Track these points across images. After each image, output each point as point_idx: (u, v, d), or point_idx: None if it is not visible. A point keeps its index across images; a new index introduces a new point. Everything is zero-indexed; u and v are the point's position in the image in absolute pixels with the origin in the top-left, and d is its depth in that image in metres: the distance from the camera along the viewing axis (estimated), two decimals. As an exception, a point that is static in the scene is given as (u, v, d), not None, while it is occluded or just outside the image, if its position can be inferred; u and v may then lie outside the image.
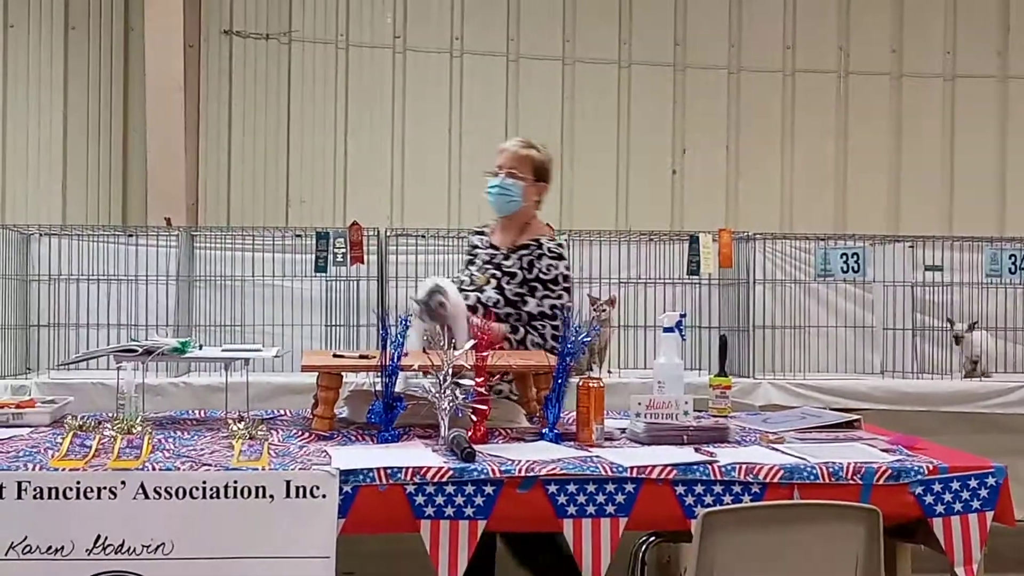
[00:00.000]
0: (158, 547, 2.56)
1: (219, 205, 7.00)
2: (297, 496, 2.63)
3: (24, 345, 5.18)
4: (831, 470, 2.82)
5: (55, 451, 2.85)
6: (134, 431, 3.07)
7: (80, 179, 6.87)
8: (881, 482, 2.82)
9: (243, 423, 3.10)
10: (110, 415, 3.34)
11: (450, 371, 3.05)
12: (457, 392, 3.06)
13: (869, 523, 2.68)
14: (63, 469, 2.63)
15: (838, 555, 2.69)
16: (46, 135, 6.82)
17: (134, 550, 2.55)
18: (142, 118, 6.66)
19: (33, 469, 2.62)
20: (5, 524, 2.55)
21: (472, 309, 3.68)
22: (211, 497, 2.60)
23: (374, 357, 3.27)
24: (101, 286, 5.16)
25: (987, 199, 7.64)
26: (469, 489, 2.70)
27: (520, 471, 2.74)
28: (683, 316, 3.70)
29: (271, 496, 2.62)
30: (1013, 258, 5.27)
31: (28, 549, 2.54)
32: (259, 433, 3.07)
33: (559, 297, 3.80)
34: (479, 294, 3.79)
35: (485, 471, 2.72)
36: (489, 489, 2.71)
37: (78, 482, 2.59)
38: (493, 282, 3.81)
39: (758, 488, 2.79)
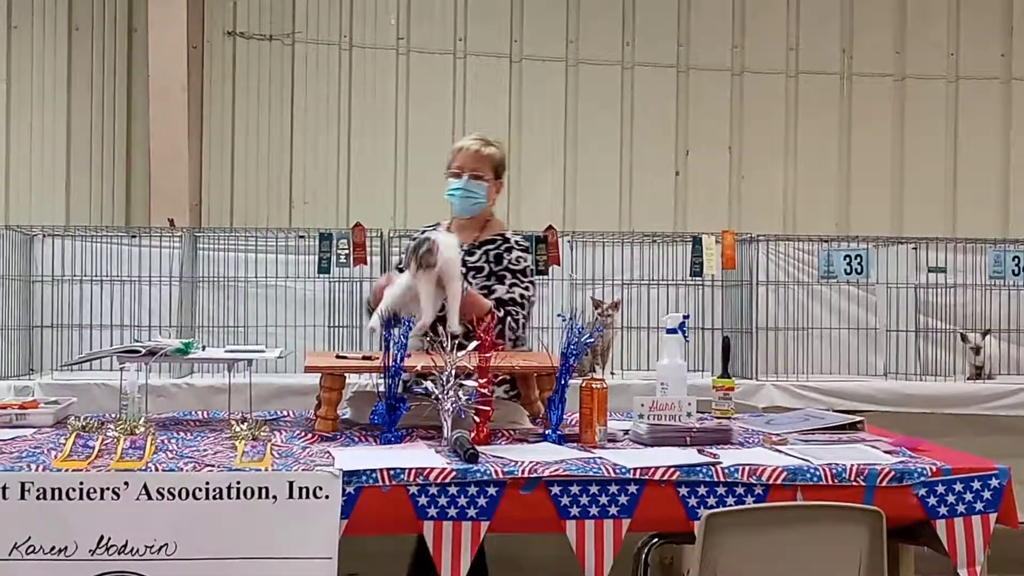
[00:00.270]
0: (161, 547, 2.56)
1: (222, 206, 7.00)
2: (300, 497, 2.63)
3: (27, 346, 5.18)
4: (834, 472, 2.82)
5: (58, 452, 2.85)
6: (137, 432, 3.07)
7: (84, 180, 6.87)
8: (884, 484, 2.81)
9: (246, 424, 3.10)
10: (113, 416, 3.34)
11: (453, 372, 3.05)
12: (460, 393, 3.06)
13: (872, 525, 2.68)
14: (66, 470, 2.63)
15: (841, 557, 2.68)
16: (50, 136, 6.83)
17: (137, 550, 2.56)
18: (145, 119, 6.66)
19: (36, 470, 2.62)
20: (9, 524, 2.55)
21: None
22: (214, 498, 2.60)
23: (377, 358, 3.27)
24: (104, 287, 5.16)
25: (990, 201, 7.64)
26: (472, 490, 2.70)
27: (523, 472, 2.73)
28: (686, 317, 3.70)
29: (274, 497, 2.62)
30: (1017, 260, 5.27)
31: (32, 549, 2.54)
32: (262, 434, 3.07)
33: (526, 288, 3.83)
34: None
35: (488, 472, 2.72)
36: (492, 490, 2.71)
37: (81, 483, 2.59)
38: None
39: (761, 490, 2.79)
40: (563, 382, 3.23)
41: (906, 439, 3.28)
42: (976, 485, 2.86)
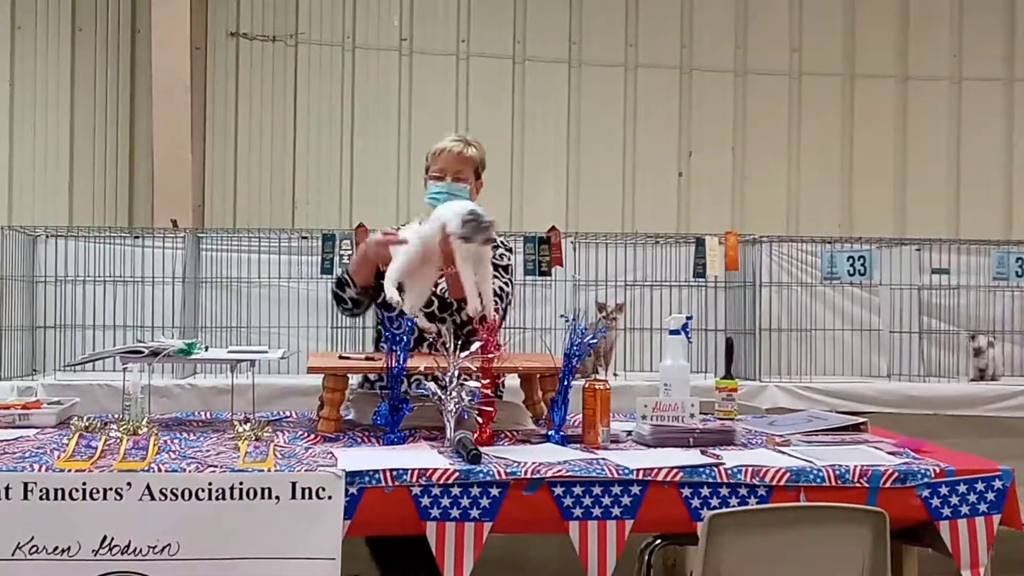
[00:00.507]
0: (164, 548, 2.56)
1: (225, 207, 7.01)
2: (303, 497, 2.63)
3: (30, 346, 5.19)
4: (837, 473, 2.82)
5: (61, 452, 2.85)
6: (140, 432, 3.07)
7: (87, 181, 6.88)
8: (887, 485, 2.81)
9: (249, 424, 3.10)
10: (116, 416, 3.34)
11: (456, 373, 3.05)
12: (463, 394, 3.05)
13: (875, 526, 2.68)
14: (69, 470, 2.63)
15: (844, 558, 2.68)
16: (53, 137, 6.84)
17: (140, 551, 2.55)
18: (148, 120, 6.67)
19: (39, 470, 2.62)
20: (12, 524, 2.55)
21: (428, 303, 3.66)
22: (217, 498, 2.60)
23: (380, 359, 3.26)
24: (107, 287, 5.17)
25: (994, 202, 7.65)
26: (475, 491, 2.70)
27: (526, 473, 2.73)
28: (689, 319, 3.70)
29: (277, 497, 2.62)
30: (1020, 261, 5.26)
31: (35, 549, 2.54)
32: (265, 434, 3.07)
33: (507, 283, 3.79)
34: (433, 288, 3.75)
35: (491, 473, 2.72)
36: (495, 491, 2.71)
37: (84, 483, 2.59)
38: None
39: (764, 491, 2.79)
40: (566, 383, 3.23)
41: (909, 440, 3.28)
42: (980, 486, 2.86)
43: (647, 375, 5.13)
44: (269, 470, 2.67)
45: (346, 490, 2.64)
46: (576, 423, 3.33)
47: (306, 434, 3.26)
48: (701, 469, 2.81)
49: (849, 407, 4.88)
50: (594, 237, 5.43)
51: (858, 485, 2.80)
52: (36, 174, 6.81)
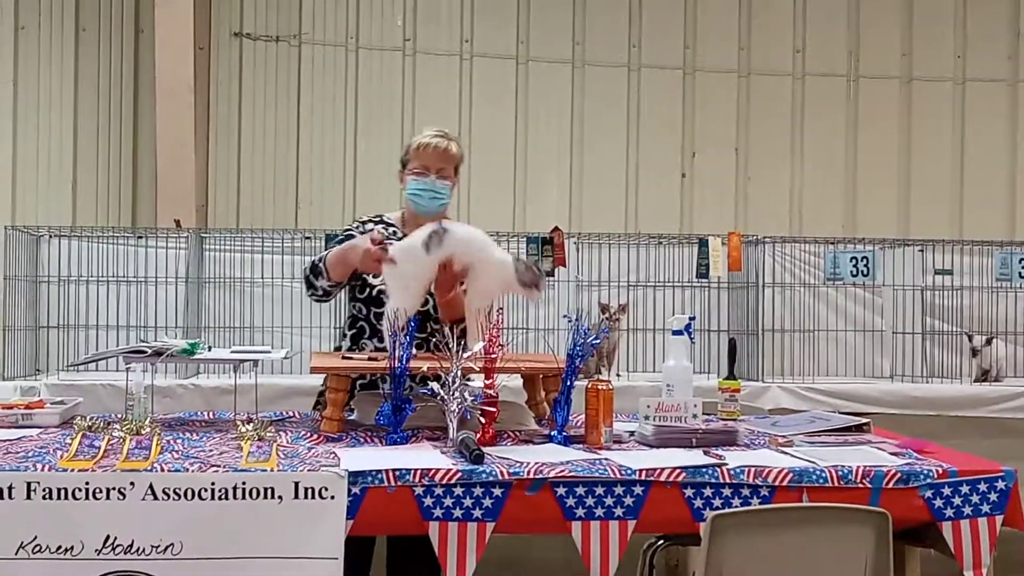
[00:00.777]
0: (167, 547, 2.56)
1: (228, 207, 7.02)
2: (306, 497, 2.63)
3: (34, 346, 5.19)
4: (840, 473, 2.81)
5: (64, 452, 2.85)
6: (143, 432, 3.07)
7: (90, 181, 6.89)
8: (890, 485, 2.81)
9: (252, 424, 3.11)
10: (119, 416, 3.34)
11: (459, 373, 3.05)
12: (466, 394, 3.05)
13: (878, 526, 2.68)
14: (72, 470, 2.63)
15: (847, 558, 2.68)
16: (56, 137, 6.84)
17: (143, 550, 2.56)
18: (152, 120, 6.67)
19: (42, 469, 2.62)
20: (15, 524, 2.55)
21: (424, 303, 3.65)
22: (220, 498, 2.60)
23: (383, 359, 3.26)
24: (111, 287, 5.18)
25: (997, 203, 7.64)
26: (478, 491, 2.70)
27: (529, 473, 2.73)
28: (692, 319, 3.70)
29: (280, 497, 2.62)
30: (1023, 262, 5.26)
31: (38, 549, 2.54)
32: (268, 434, 3.07)
33: None
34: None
35: (494, 473, 2.72)
36: (498, 491, 2.71)
37: (87, 483, 2.59)
38: None
39: (767, 491, 2.79)
40: (569, 383, 3.23)
41: (912, 441, 3.27)
42: (982, 487, 2.86)
43: (650, 376, 5.13)
44: (272, 470, 2.68)
45: (349, 490, 2.64)
46: (579, 423, 3.33)
47: (309, 434, 3.26)
48: (704, 469, 2.81)
49: (852, 408, 4.88)
50: (597, 237, 5.43)
51: (861, 486, 2.80)
52: (40, 174, 6.82)
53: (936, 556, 2.94)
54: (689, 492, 2.77)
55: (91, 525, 2.56)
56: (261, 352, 3.75)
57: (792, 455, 3.03)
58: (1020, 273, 5.26)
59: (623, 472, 2.76)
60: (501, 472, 2.72)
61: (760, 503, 2.77)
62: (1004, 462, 2.96)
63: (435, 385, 3.05)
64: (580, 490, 2.73)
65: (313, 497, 2.63)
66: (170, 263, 5.22)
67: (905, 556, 2.96)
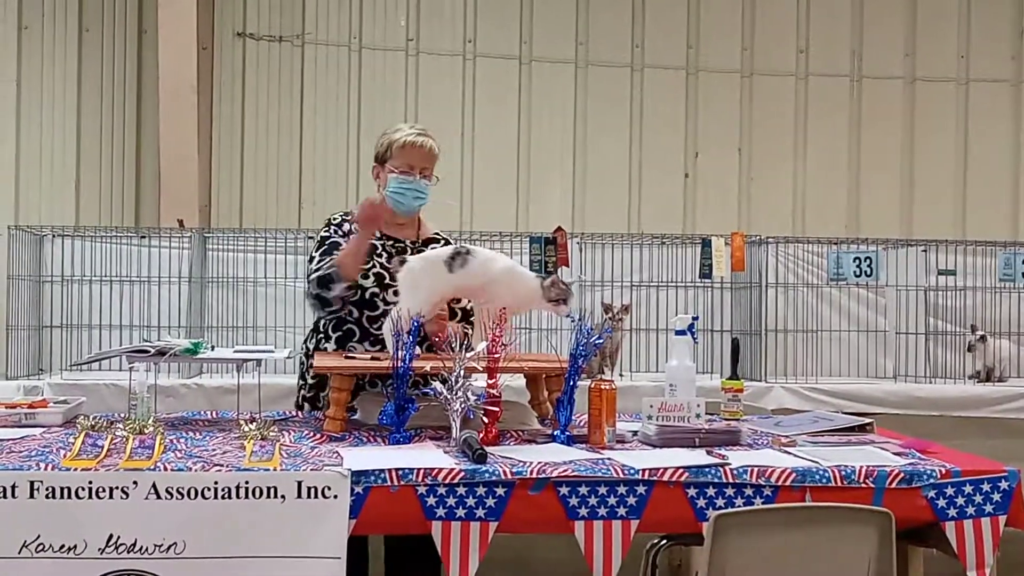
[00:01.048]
0: (170, 546, 2.57)
1: (231, 207, 7.01)
2: (309, 497, 2.63)
3: (37, 346, 5.20)
4: (843, 473, 2.81)
5: (67, 451, 2.86)
6: (146, 431, 3.08)
7: (93, 180, 6.88)
8: (893, 485, 2.81)
9: (255, 424, 3.11)
10: (122, 415, 3.35)
11: (462, 373, 3.05)
12: (469, 394, 3.05)
13: (881, 526, 2.68)
14: (75, 469, 2.64)
15: (850, 558, 2.68)
16: (59, 136, 6.84)
17: (146, 549, 2.56)
18: (155, 120, 6.67)
19: (45, 469, 2.63)
20: (18, 523, 2.56)
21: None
22: (223, 497, 2.61)
23: (386, 359, 3.27)
24: (114, 287, 5.18)
25: (1001, 203, 7.63)
26: (480, 491, 2.70)
27: (532, 473, 2.73)
28: (695, 319, 3.70)
29: (283, 496, 2.62)
30: (1026, 262, 5.26)
31: (41, 547, 2.55)
32: (271, 434, 3.08)
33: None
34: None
35: (497, 473, 2.72)
36: (501, 491, 2.71)
37: (90, 482, 2.59)
38: None
39: (770, 491, 2.79)
40: (572, 383, 3.23)
41: (915, 441, 3.27)
42: (986, 487, 2.85)
43: (653, 375, 5.13)
44: (275, 469, 2.68)
45: (352, 489, 2.65)
46: (582, 423, 3.33)
47: (312, 433, 3.27)
48: (707, 469, 2.81)
49: (855, 408, 4.88)
50: (600, 237, 5.43)
51: (864, 486, 2.80)
52: (43, 174, 6.81)
53: (939, 556, 2.94)
54: (692, 492, 2.77)
55: (94, 524, 2.57)
56: (264, 352, 3.76)
57: (795, 455, 3.03)
58: (1023, 273, 5.25)
59: (626, 472, 2.76)
60: (504, 472, 2.72)
61: (763, 503, 2.77)
62: (1007, 462, 2.96)
63: (438, 384, 3.05)
64: (583, 490, 2.73)
65: (316, 496, 2.63)
66: (173, 263, 5.22)
67: (908, 556, 2.96)
